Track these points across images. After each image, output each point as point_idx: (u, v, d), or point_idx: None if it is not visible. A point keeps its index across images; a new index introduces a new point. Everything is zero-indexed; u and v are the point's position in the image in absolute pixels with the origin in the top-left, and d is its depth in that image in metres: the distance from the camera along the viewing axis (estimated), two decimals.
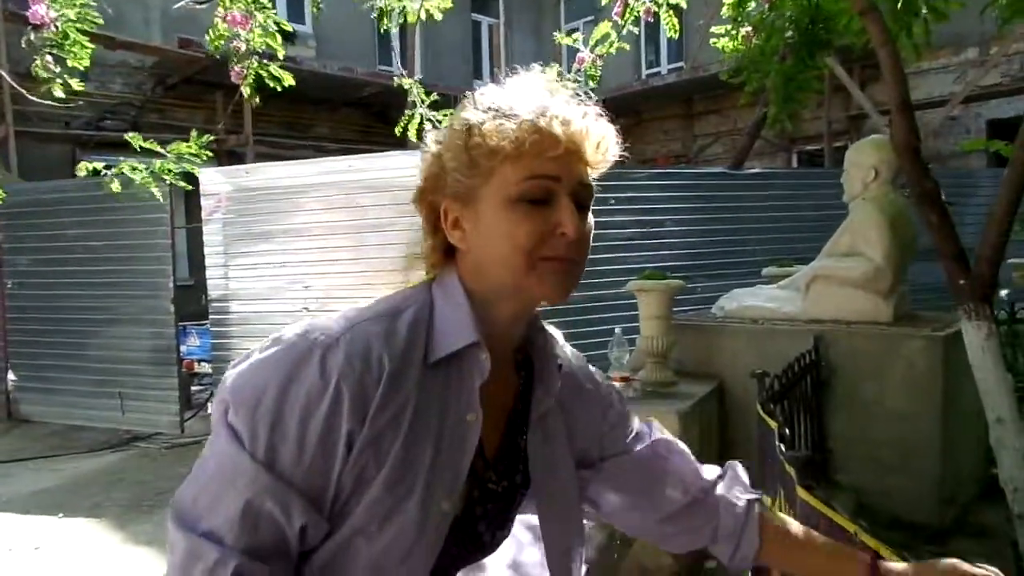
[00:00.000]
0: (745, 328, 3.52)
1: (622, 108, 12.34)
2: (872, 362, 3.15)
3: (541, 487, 0.89)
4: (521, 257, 0.76)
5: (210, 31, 3.00)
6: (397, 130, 2.89)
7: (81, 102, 7.04)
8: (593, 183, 0.81)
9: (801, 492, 1.42)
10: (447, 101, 10.40)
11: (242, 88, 3.10)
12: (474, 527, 0.85)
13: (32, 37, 2.70)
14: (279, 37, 3.05)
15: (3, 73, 5.03)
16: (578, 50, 3.03)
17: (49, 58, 2.73)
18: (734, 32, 3.88)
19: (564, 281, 0.78)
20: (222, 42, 2.94)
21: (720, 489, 0.98)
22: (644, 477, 0.98)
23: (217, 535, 0.69)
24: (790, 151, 10.83)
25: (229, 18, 2.92)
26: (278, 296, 6.02)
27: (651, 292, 3.25)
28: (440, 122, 2.87)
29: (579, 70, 3.01)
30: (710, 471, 1.01)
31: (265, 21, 2.95)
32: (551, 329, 0.94)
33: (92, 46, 2.81)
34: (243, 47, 2.99)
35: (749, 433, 3.21)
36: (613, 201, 5.89)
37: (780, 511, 1.80)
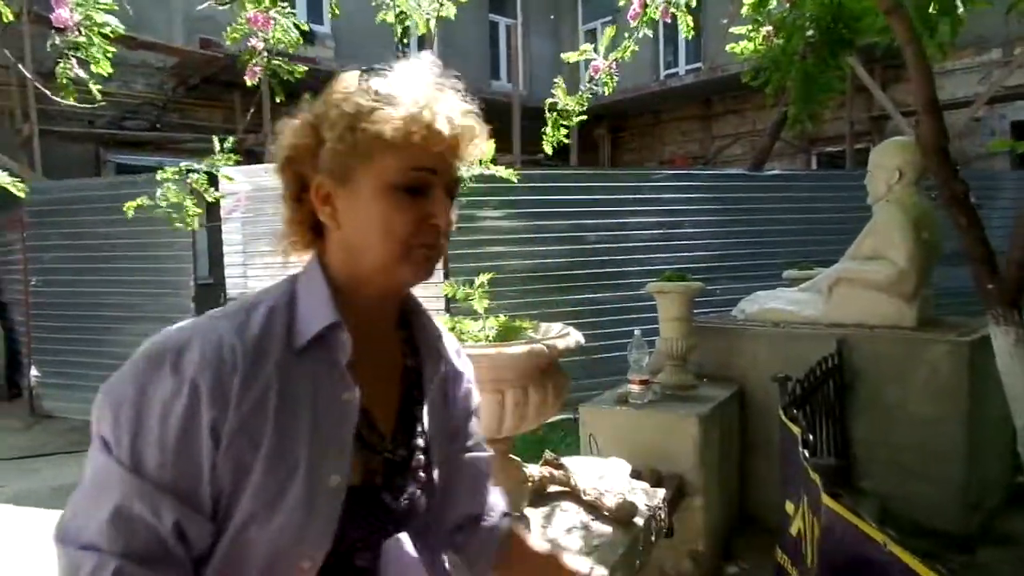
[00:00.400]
0: (766, 331, 3.48)
1: (640, 108, 12.29)
2: (896, 367, 3.10)
3: (440, 450, 0.94)
4: (396, 245, 0.80)
5: (228, 28, 3.01)
6: None
7: (104, 102, 7.11)
8: (459, 175, 0.87)
9: (827, 500, 1.39)
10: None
11: (253, 83, 3.10)
12: (378, 497, 0.87)
13: (56, 41, 2.72)
14: (296, 35, 3.05)
15: (28, 74, 5.09)
16: (593, 58, 3.00)
17: (74, 62, 2.75)
18: (754, 32, 3.84)
19: (430, 266, 0.84)
20: (239, 36, 2.95)
21: (494, 511, 1.05)
22: (469, 478, 1.02)
23: (95, 544, 0.70)
24: (810, 152, 10.72)
25: (251, 18, 2.93)
26: None
27: (670, 294, 3.22)
28: None
29: (593, 78, 2.98)
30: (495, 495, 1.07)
31: (285, 24, 2.96)
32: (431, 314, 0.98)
33: (113, 49, 2.82)
34: (260, 45, 3.00)
35: (770, 437, 3.17)
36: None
37: (804, 519, 1.78)
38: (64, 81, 2.66)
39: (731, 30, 3.89)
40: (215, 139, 3.90)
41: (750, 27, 3.82)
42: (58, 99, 2.77)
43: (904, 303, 3.22)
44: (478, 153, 0.87)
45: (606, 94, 3.01)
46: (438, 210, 0.82)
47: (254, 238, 6.11)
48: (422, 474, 0.92)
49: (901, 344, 3.12)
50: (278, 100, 3.15)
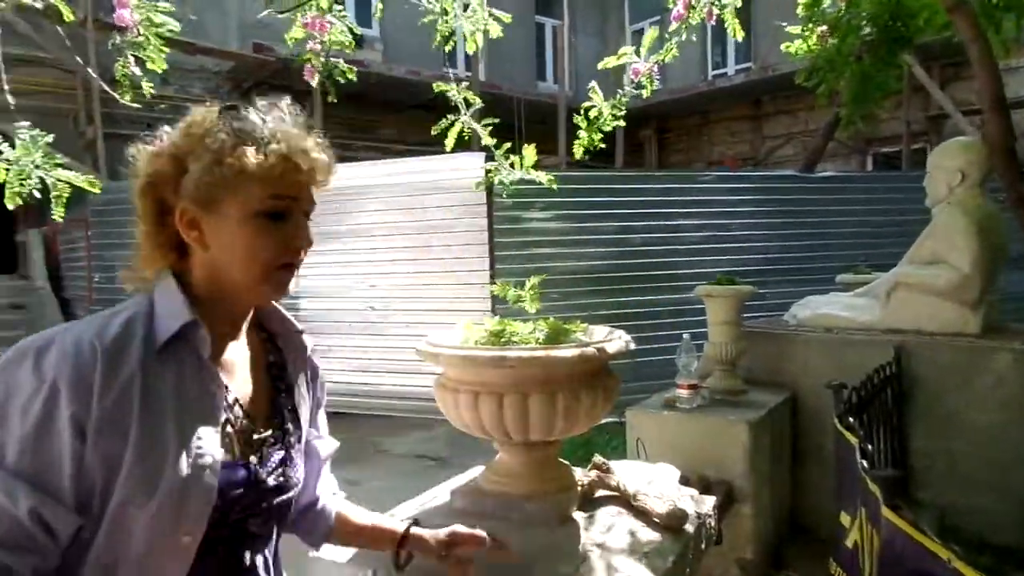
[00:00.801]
0: (819, 337, 3.39)
1: (687, 109, 12.14)
2: (958, 375, 2.99)
3: (306, 428, 1.08)
4: (258, 267, 0.90)
5: (288, 34, 3.07)
6: (433, 131, 2.89)
7: (164, 105, 7.34)
8: (315, 197, 0.96)
9: (887, 512, 1.35)
10: (509, 103, 10.35)
11: (314, 84, 3.16)
12: (256, 474, 0.95)
13: (117, 40, 2.82)
14: (350, 39, 3.10)
15: (94, 75, 5.28)
16: (634, 61, 2.96)
17: (131, 59, 2.84)
18: (808, 32, 3.75)
19: (288, 283, 0.94)
20: (299, 37, 3.01)
21: (323, 498, 1.18)
22: (317, 463, 1.14)
23: None
24: (865, 153, 10.43)
25: (309, 23, 2.99)
26: (345, 294, 6.15)
27: (720, 297, 3.17)
28: (482, 129, 2.84)
29: (633, 81, 2.94)
30: (325, 481, 1.19)
31: (340, 27, 3.02)
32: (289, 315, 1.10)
33: (167, 49, 2.91)
34: (317, 47, 3.06)
35: (823, 445, 3.10)
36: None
37: (862, 530, 1.73)
38: (121, 78, 2.76)
39: (786, 30, 3.81)
40: None
41: (803, 27, 3.74)
42: (123, 101, 2.87)
43: (968, 309, 3.10)
44: (332, 180, 0.97)
45: (644, 97, 2.98)
46: (300, 233, 0.93)
47: None
48: (293, 453, 1.03)
49: (964, 352, 3.00)
50: (330, 100, 3.21)
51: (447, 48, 2.94)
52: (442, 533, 1.18)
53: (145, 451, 0.82)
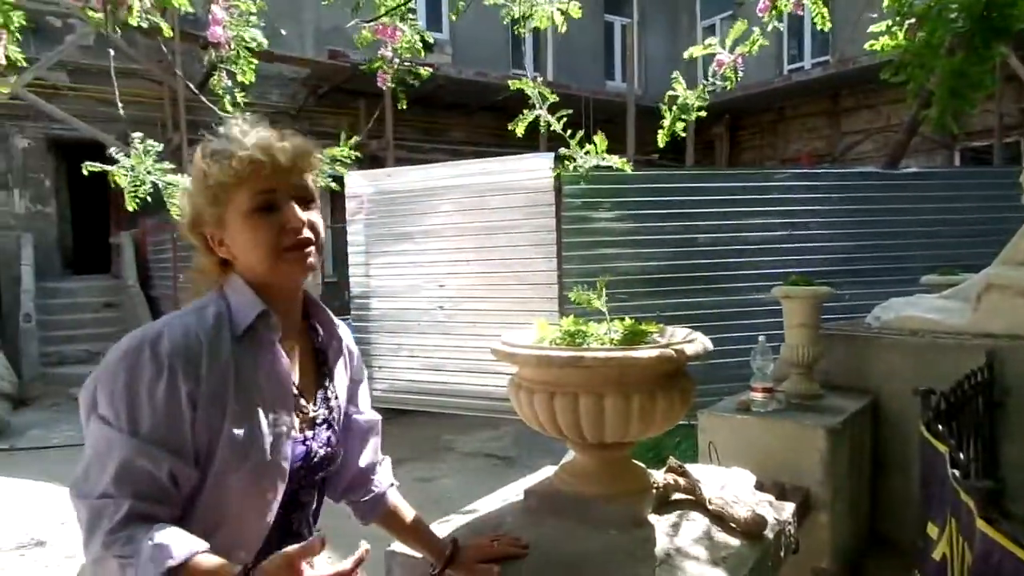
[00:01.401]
0: (903, 340, 3.25)
1: (761, 105, 11.82)
2: None
3: (345, 407, 1.25)
4: (266, 253, 1.03)
5: (357, 38, 3.16)
6: (510, 126, 2.92)
7: (248, 114, 7.64)
8: (309, 183, 1.08)
9: (983, 525, 1.29)
10: (577, 102, 10.31)
11: (385, 88, 3.23)
12: (310, 448, 1.12)
13: (212, 55, 2.97)
14: (421, 47, 3.16)
15: (189, 84, 5.55)
16: (715, 54, 2.90)
17: (224, 74, 2.99)
18: (895, 27, 3.57)
19: (304, 261, 1.06)
20: (368, 41, 3.09)
21: (378, 472, 1.34)
22: (360, 434, 1.29)
23: (108, 493, 0.91)
24: (952, 148, 9.93)
25: (379, 30, 3.06)
26: (415, 294, 6.26)
27: (797, 299, 3.08)
28: (557, 123, 2.85)
29: (716, 72, 2.88)
30: (385, 467, 1.36)
31: (411, 34, 3.08)
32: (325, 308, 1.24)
33: (256, 62, 3.04)
34: (388, 54, 3.13)
35: (906, 455, 2.97)
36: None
37: (951, 543, 1.66)
38: (220, 92, 2.92)
39: (870, 28, 3.65)
40: (342, 135, 4.00)
41: (890, 21, 3.57)
42: (215, 108, 3.02)
43: None
44: (315, 160, 1.09)
45: (728, 89, 2.91)
46: (290, 215, 1.04)
47: (377, 239, 6.38)
48: (336, 429, 1.20)
49: None
50: (400, 107, 3.28)
51: (520, 31, 2.96)
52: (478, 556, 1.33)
53: (239, 422, 0.99)
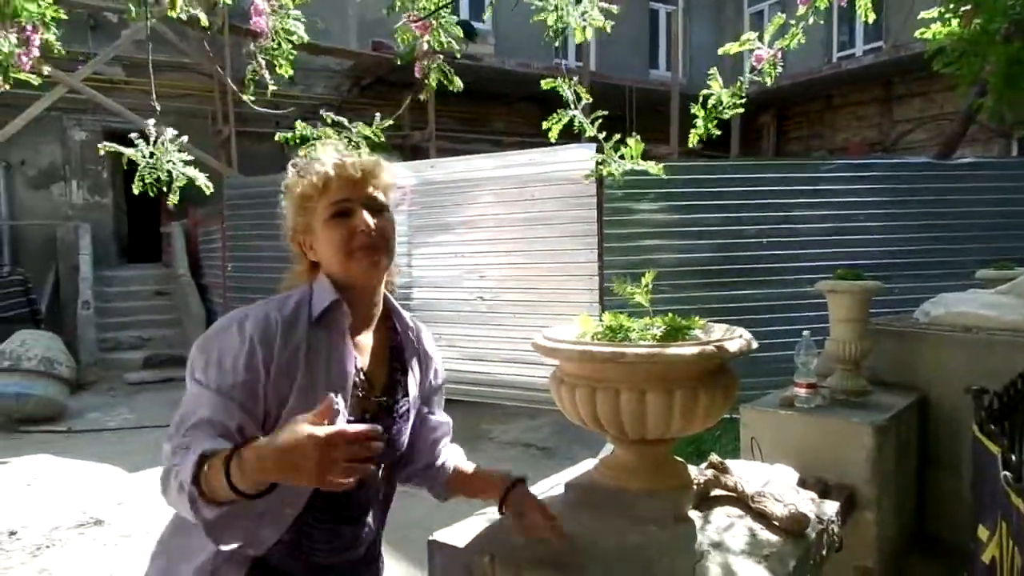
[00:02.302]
0: (955, 337, 3.16)
1: (809, 93, 11.54)
2: None
3: (416, 404, 1.37)
4: (340, 253, 1.21)
5: (398, 32, 3.18)
6: (545, 125, 2.89)
7: (292, 108, 7.79)
8: (381, 195, 1.26)
9: None
10: (620, 92, 10.17)
11: (426, 83, 3.26)
12: None
13: (252, 46, 3.03)
14: (457, 41, 3.17)
15: (220, 71, 5.67)
16: (756, 47, 2.82)
17: (262, 63, 3.05)
18: (949, 14, 3.45)
19: (372, 261, 1.22)
20: (410, 38, 3.11)
21: (442, 458, 1.48)
22: (431, 434, 1.45)
23: (190, 433, 1.08)
24: (1010, 137, 9.56)
25: (417, 25, 3.09)
26: (456, 285, 6.31)
27: (844, 293, 3.02)
28: (589, 124, 2.82)
29: (755, 68, 2.81)
30: (449, 448, 1.51)
31: (445, 26, 3.09)
32: (408, 315, 1.41)
33: (295, 53, 3.09)
34: (425, 47, 3.15)
35: (956, 453, 2.90)
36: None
37: (1002, 546, 1.62)
38: (248, 80, 2.98)
39: (920, 15, 3.53)
40: (376, 116, 3.88)
41: (943, 8, 3.45)
42: (246, 99, 3.09)
43: None
44: (387, 175, 1.28)
45: (767, 84, 2.85)
46: (359, 220, 1.21)
47: (419, 229, 6.44)
48: (404, 424, 1.33)
49: None
50: (422, 98, 3.29)
51: (560, 36, 2.95)
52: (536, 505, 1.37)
53: (305, 392, 1.15)
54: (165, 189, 2.94)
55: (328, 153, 1.25)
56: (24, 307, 7.78)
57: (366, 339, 1.31)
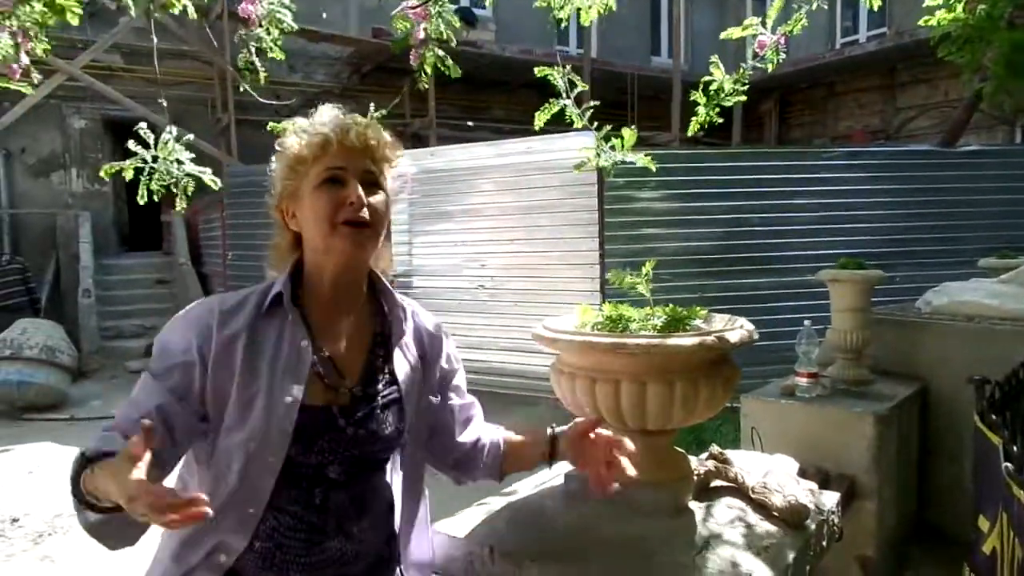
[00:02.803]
0: (957, 326, 3.15)
1: (812, 80, 11.48)
2: None
3: (407, 397, 1.22)
4: (324, 222, 1.11)
5: (394, 19, 3.15)
6: (537, 115, 2.84)
7: (293, 99, 7.75)
8: (379, 169, 1.17)
9: None
10: (621, 79, 10.11)
11: (428, 70, 3.22)
12: (333, 421, 1.14)
13: (242, 33, 3.01)
14: (454, 28, 3.13)
15: (221, 60, 5.64)
16: (759, 33, 2.78)
17: (252, 50, 3.02)
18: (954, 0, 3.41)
19: (357, 239, 1.12)
20: (407, 26, 3.08)
21: (484, 438, 1.36)
22: (461, 419, 1.35)
23: (120, 415, 1.07)
24: (1014, 124, 9.51)
25: (413, 12, 3.05)
26: (456, 273, 6.30)
27: (846, 282, 3.01)
28: (578, 112, 2.78)
29: (758, 54, 2.77)
30: (485, 428, 1.39)
31: (441, 12, 3.06)
32: (403, 297, 1.29)
33: (279, 43, 3.06)
34: (421, 35, 3.12)
35: (958, 443, 2.90)
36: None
37: (1002, 537, 1.62)
38: (242, 69, 2.96)
39: (926, 3, 3.49)
40: (371, 107, 3.90)
41: None
42: (244, 87, 3.07)
43: None
44: (387, 148, 1.18)
45: (769, 70, 2.81)
46: (351, 191, 1.11)
47: (420, 218, 6.43)
48: (390, 414, 1.20)
49: None
50: (421, 87, 3.26)
51: (563, 24, 2.92)
52: (570, 431, 1.26)
53: (244, 386, 1.09)
54: (173, 190, 2.93)
55: (331, 115, 1.17)
56: (24, 296, 7.77)
57: (342, 326, 1.20)
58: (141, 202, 2.86)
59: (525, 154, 5.92)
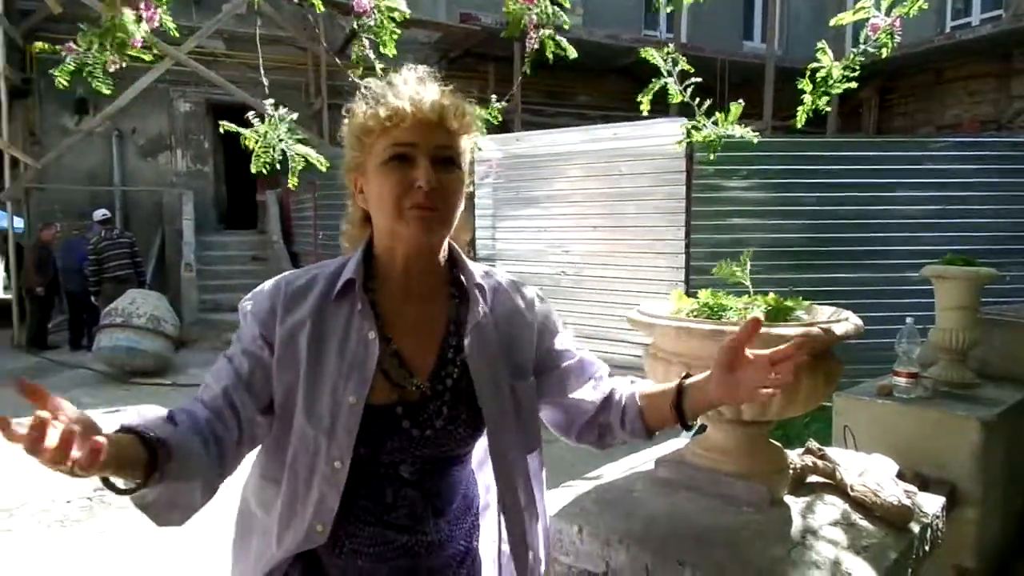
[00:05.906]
0: None
1: (917, 66, 10.85)
2: None
3: (482, 388, 1.07)
4: (391, 205, 1.00)
5: (506, 3, 3.14)
6: (639, 98, 2.79)
7: (380, 79, 7.90)
8: (455, 144, 1.03)
9: None
10: (711, 65, 9.84)
11: (543, 55, 3.20)
12: (398, 423, 1.04)
13: (356, 25, 3.08)
14: (564, 7, 3.12)
15: (328, 51, 5.81)
16: (867, 19, 2.63)
17: (366, 43, 3.10)
18: None
19: (425, 224, 1.00)
20: (519, 10, 3.07)
21: (617, 393, 1.18)
22: (577, 379, 1.19)
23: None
24: None
25: None
26: (539, 259, 6.32)
27: (953, 279, 2.85)
28: (680, 89, 2.70)
29: (869, 39, 2.62)
30: (615, 383, 1.21)
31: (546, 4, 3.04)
32: (478, 266, 1.15)
33: (399, 32, 3.12)
34: (534, 19, 3.11)
35: None
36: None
37: None
38: (356, 59, 3.03)
39: None
40: (492, 99, 3.88)
41: None
42: (351, 76, 3.15)
43: None
44: (468, 121, 1.05)
45: (883, 56, 2.67)
46: (420, 174, 0.98)
47: (504, 202, 6.47)
48: (463, 410, 1.07)
49: None
50: (526, 72, 3.26)
51: (662, 10, 2.86)
52: (720, 357, 1.08)
53: (310, 381, 1.02)
54: (279, 167, 3.03)
55: (408, 82, 1.03)
56: (131, 268, 8.28)
57: (415, 313, 1.09)
58: (254, 173, 2.97)
59: (612, 140, 5.86)
